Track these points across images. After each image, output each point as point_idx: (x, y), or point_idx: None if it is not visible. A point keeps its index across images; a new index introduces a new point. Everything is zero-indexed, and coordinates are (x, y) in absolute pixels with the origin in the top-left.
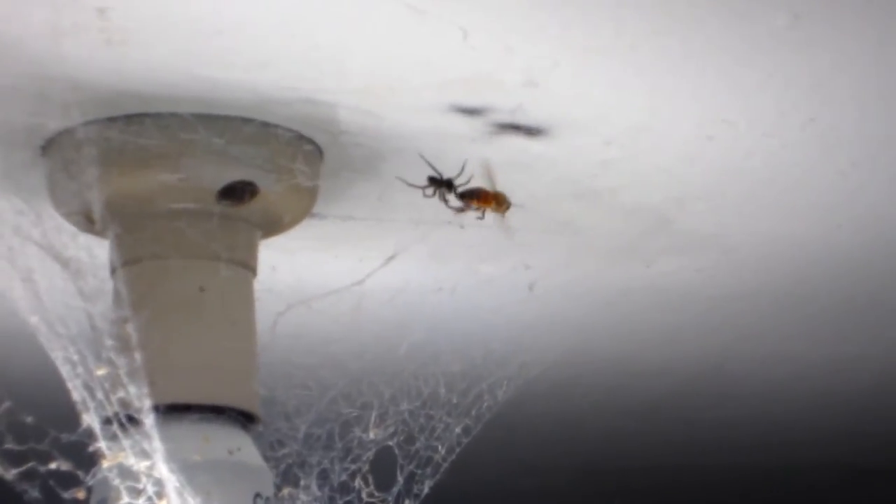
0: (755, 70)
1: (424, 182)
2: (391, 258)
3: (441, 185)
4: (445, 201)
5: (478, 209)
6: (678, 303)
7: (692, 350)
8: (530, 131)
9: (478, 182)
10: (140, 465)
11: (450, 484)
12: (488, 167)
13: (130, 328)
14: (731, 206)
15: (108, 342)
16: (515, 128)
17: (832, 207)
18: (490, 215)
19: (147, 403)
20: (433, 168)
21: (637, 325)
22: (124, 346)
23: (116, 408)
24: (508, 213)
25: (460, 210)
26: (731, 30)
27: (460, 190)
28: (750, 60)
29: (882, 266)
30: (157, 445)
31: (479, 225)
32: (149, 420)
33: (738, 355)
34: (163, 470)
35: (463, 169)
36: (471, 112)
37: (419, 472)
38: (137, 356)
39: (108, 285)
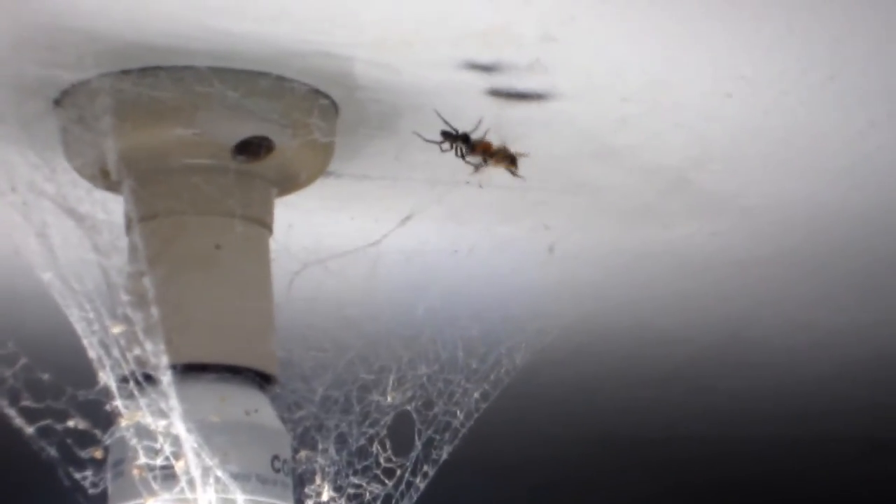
0: (774, 25)
1: (439, 138)
2: (407, 218)
3: (457, 139)
4: (462, 157)
5: (486, 161)
6: (695, 268)
7: (710, 317)
8: (547, 88)
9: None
10: (157, 425)
11: (465, 452)
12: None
13: (146, 283)
14: (750, 166)
15: (124, 298)
16: (532, 85)
17: (850, 169)
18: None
19: (164, 361)
20: (447, 123)
21: (654, 290)
22: (140, 302)
23: (133, 366)
24: (523, 171)
25: (477, 166)
26: None
27: (472, 143)
28: (769, 15)
29: None
30: (173, 404)
31: (498, 186)
32: (165, 378)
33: (756, 322)
34: (180, 429)
35: (479, 125)
36: (487, 68)
37: (437, 437)
38: (153, 312)
39: (124, 242)
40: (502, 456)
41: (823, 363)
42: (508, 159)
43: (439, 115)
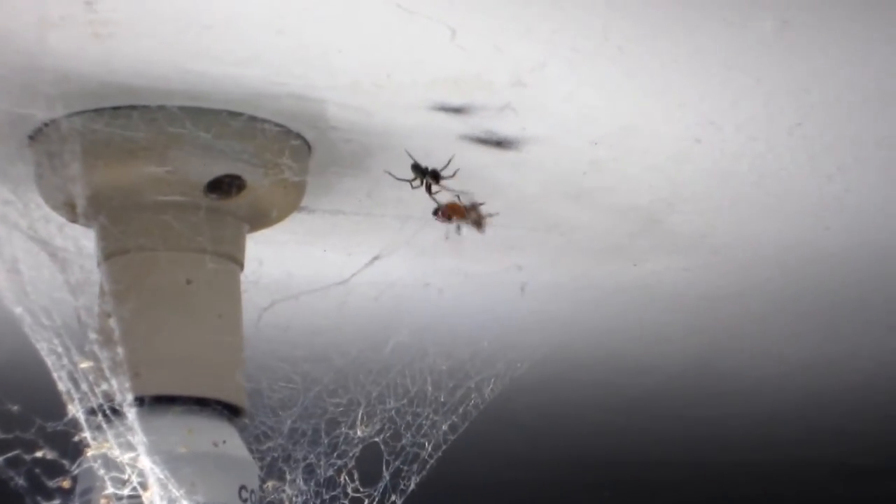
0: (743, 74)
1: (411, 175)
2: (376, 258)
3: (426, 174)
4: (430, 192)
5: (456, 221)
6: (667, 301)
7: (680, 348)
8: (518, 131)
9: (461, 185)
10: (124, 457)
11: (436, 475)
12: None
13: (115, 321)
14: (719, 207)
15: (93, 336)
16: (503, 128)
17: (819, 210)
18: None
19: (130, 397)
20: (415, 160)
21: (626, 323)
22: (108, 339)
23: (101, 399)
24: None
25: (442, 217)
26: (720, 34)
27: (437, 208)
28: (738, 64)
29: (869, 268)
30: (140, 438)
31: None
32: (131, 413)
33: (726, 353)
34: (146, 462)
35: (449, 162)
36: (459, 111)
37: (405, 468)
38: (121, 350)
39: (95, 276)
40: (474, 478)
41: (792, 392)
42: (477, 224)
43: (408, 152)
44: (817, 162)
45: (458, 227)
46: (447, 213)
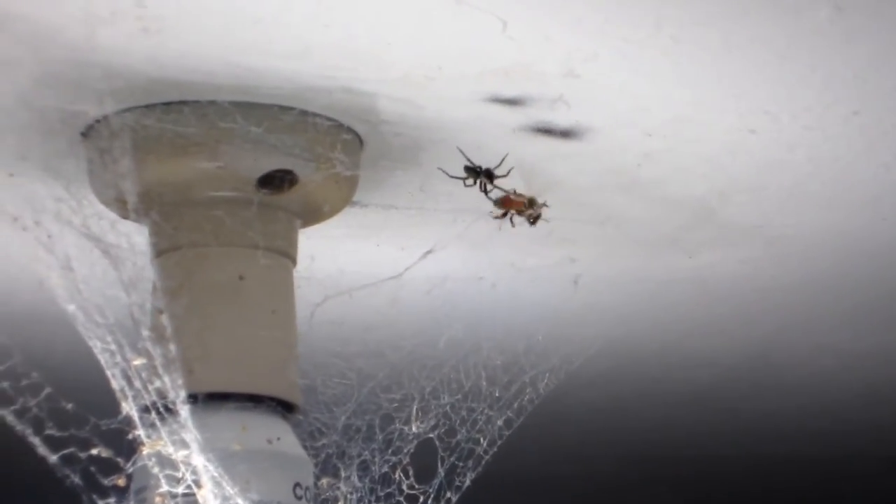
0: (798, 63)
1: (464, 174)
2: (429, 252)
3: (479, 174)
4: (485, 192)
5: (511, 214)
6: (721, 294)
7: (736, 340)
8: (571, 123)
9: (515, 178)
10: (178, 454)
11: (492, 471)
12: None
13: (167, 318)
14: (774, 198)
15: (146, 333)
16: (556, 119)
17: (875, 199)
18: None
19: (183, 394)
20: (468, 159)
21: (680, 315)
22: (161, 336)
23: (154, 397)
24: (545, 211)
25: (499, 213)
26: (774, 22)
27: (493, 197)
28: (793, 53)
29: None
30: (194, 435)
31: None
32: (185, 411)
33: (781, 346)
34: (200, 459)
35: (502, 161)
36: (510, 102)
37: (460, 464)
38: (174, 347)
39: (148, 272)
40: (529, 472)
41: (847, 384)
42: (533, 218)
43: (461, 151)
44: (874, 151)
45: (512, 220)
46: (503, 206)
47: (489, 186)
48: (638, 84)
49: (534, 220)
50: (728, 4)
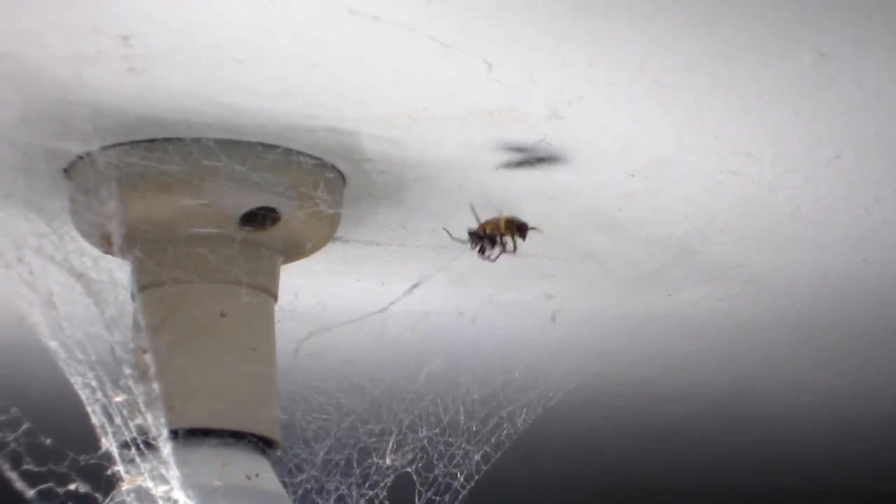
0: (781, 106)
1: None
2: (415, 286)
3: (482, 239)
4: (487, 256)
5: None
6: (700, 331)
7: (714, 376)
8: (554, 163)
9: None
10: (158, 490)
11: (468, 500)
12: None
13: (149, 354)
14: (755, 238)
15: (127, 370)
16: (539, 159)
17: (856, 241)
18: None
19: (164, 431)
20: (477, 218)
21: (659, 351)
22: (143, 374)
23: (134, 433)
24: (529, 240)
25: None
26: (758, 67)
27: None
28: (776, 97)
29: None
30: (174, 471)
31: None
32: (166, 447)
33: (760, 382)
34: (180, 495)
35: (474, 212)
36: (494, 143)
37: (437, 498)
38: (155, 385)
39: (129, 308)
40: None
41: (825, 420)
42: (518, 228)
43: (472, 210)
44: (855, 193)
45: (490, 255)
46: (480, 233)
47: (490, 252)
48: (622, 126)
49: (522, 235)
50: (711, 49)
